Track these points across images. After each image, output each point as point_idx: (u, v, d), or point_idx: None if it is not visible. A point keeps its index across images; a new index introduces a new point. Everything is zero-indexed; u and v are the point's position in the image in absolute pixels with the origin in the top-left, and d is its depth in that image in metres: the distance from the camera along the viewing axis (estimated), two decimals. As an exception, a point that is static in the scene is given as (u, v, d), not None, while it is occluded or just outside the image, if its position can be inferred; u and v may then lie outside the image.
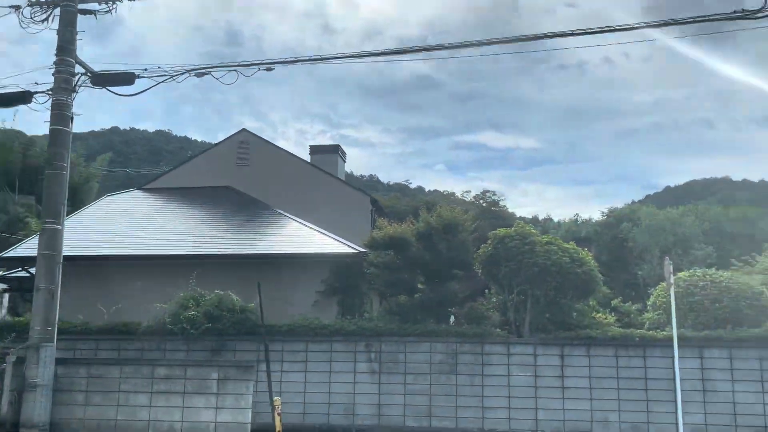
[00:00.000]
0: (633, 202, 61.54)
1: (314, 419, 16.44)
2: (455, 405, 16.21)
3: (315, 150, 28.62)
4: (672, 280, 15.18)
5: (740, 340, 15.28)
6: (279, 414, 11.61)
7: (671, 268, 15.29)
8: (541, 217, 72.20)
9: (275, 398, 11.87)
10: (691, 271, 17.51)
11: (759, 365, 15.21)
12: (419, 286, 17.98)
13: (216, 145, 27.50)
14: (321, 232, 20.96)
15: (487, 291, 19.88)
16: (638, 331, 16.14)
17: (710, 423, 15.17)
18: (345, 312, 18.60)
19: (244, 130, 27.20)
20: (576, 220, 55.06)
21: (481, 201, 61.46)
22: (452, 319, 19.09)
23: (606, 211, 42.06)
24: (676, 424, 14.58)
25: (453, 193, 75.38)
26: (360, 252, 18.52)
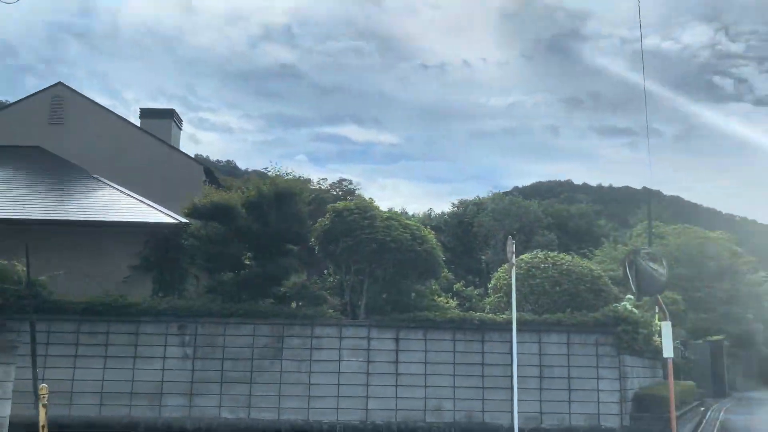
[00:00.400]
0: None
1: (113, 411, 14.08)
2: (278, 394, 14.46)
3: (146, 114, 25.56)
4: (514, 260, 14.29)
5: (579, 324, 14.72)
6: (44, 405, 9.30)
7: (513, 247, 14.40)
8: (396, 210, 72.22)
9: (41, 386, 9.52)
10: (533, 253, 16.89)
11: (595, 351, 14.71)
12: (247, 261, 16.03)
13: (25, 99, 23.76)
14: (141, 201, 18.41)
15: (327, 271, 18.32)
16: (477, 314, 15.20)
17: (546, 411, 14.48)
18: (163, 290, 16.28)
19: (60, 83, 23.71)
20: (429, 213, 55.24)
21: (337, 189, 60.15)
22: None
23: (457, 202, 42.01)
24: (512, 412, 13.68)
25: (309, 180, 73.42)
26: (181, 223, 16.26)
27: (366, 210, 15.63)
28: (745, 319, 36.27)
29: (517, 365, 13.80)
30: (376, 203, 16.10)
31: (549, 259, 15.94)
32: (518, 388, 13.64)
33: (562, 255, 16.24)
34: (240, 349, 14.57)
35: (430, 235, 16.21)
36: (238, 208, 15.27)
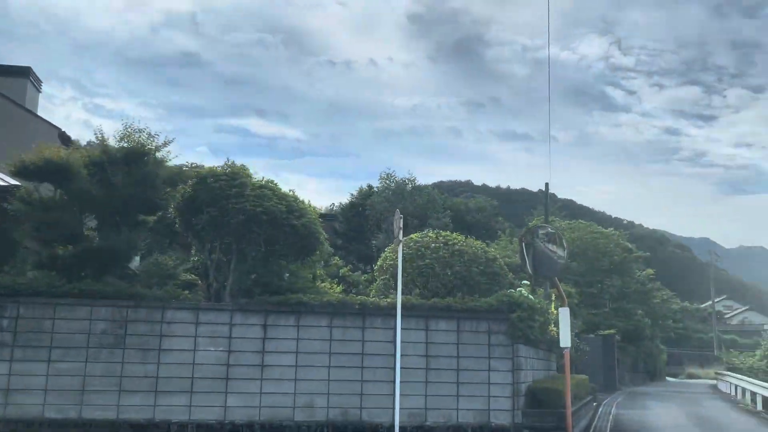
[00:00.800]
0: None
1: None
2: (119, 389, 12.13)
3: (-4, 70, 22.24)
4: (401, 237, 12.60)
5: (470, 310, 13.19)
6: None
7: (401, 222, 12.72)
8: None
9: None
10: (423, 232, 15.28)
11: (487, 339, 13.22)
12: (88, 233, 13.53)
13: None
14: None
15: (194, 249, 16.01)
16: (359, 297, 13.38)
17: (432, 407, 12.86)
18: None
19: None
20: (332, 208, 53.31)
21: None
22: None
23: (356, 193, 40.30)
24: (393, 408, 11.96)
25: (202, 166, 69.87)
26: (9, 185, 13.56)
27: (235, 177, 13.50)
28: (635, 315, 36.51)
29: (402, 355, 12.13)
30: (251, 171, 13.94)
31: (440, 238, 14.36)
32: (401, 381, 11.97)
33: (455, 235, 14.69)
34: (72, 335, 12.14)
35: (311, 208, 14.30)
36: (77, 169, 12.76)
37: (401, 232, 12.55)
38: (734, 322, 75.76)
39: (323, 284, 16.06)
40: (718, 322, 62.77)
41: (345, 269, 18.64)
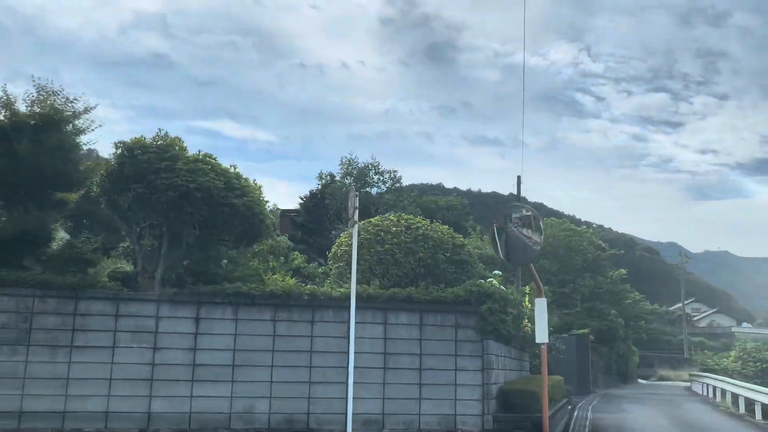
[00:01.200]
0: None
1: None
2: (21, 392, 10.30)
3: None
4: (356, 217, 10.95)
5: (436, 301, 11.60)
6: None
7: (356, 201, 11.08)
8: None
9: None
10: (384, 215, 13.66)
11: (454, 335, 11.65)
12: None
13: None
14: None
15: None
16: (308, 286, 11.70)
17: (390, 411, 11.23)
18: None
19: None
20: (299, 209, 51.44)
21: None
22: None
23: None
24: (345, 413, 10.30)
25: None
26: None
27: (166, 149, 11.74)
28: (608, 315, 35.30)
29: (356, 353, 10.47)
30: (185, 145, 12.18)
31: (402, 221, 12.76)
32: (356, 382, 10.33)
33: (418, 218, 13.10)
34: (-35, 330, 10.28)
35: (255, 187, 12.58)
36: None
37: (356, 212, 10.89)
38: (702, 324, 75.45)
39: (275, 276, 14.36)
40: (687, 324, 62.20)
41: (299, 260, 16.92)
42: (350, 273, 11.92)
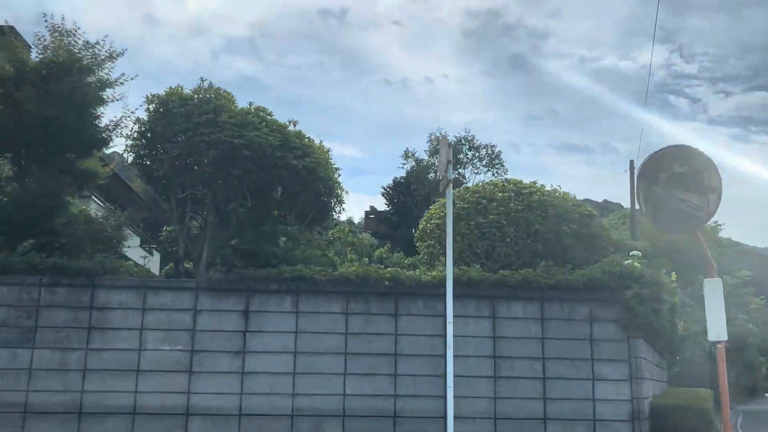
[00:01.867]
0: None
1: None
2: (24, 410, 7.95)
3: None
4: (451, 174, 8.10)
5: (561, 287, 8.56)
6: None
7: (451, 153, 8.26)
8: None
9: None
10: (486, 181, 10.70)
11: (588, 331, 8.57)
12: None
13: None
14: None
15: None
16: (389, 269, 8.85)
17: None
18: None
19: None
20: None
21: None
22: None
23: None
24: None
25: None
26: None
27: (208, 101, 9.28)
28: (736, 320, 30.77)
29: (456, 356, 7.62)
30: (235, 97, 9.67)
31: (510, 186, 9.78)
32: (457, 396, 7.47)
33: (530, 182, 10.08)
34: (-45, 328, 8.06)
35: (321, 147, 9.95)
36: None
37: (450, 166, 8.04)
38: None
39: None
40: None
41: (382, 249, 14.17)
42: (444, 253, 9.08)
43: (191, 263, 9.80)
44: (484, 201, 9.53)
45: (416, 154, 23.37)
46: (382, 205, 24.74)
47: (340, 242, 13.18)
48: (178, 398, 8.10)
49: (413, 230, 19.25)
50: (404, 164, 23.89)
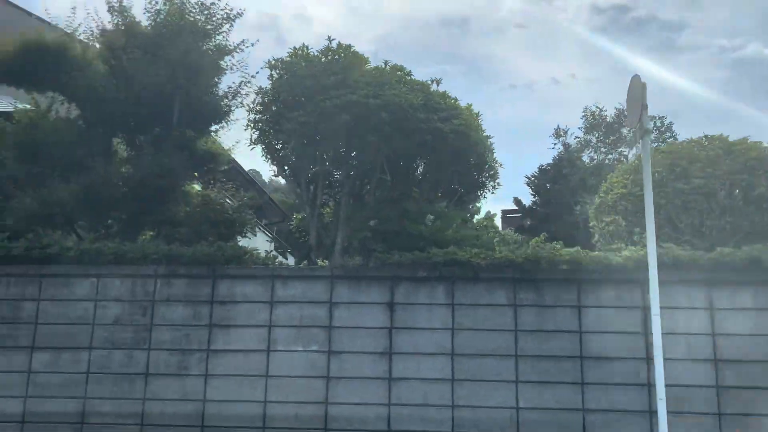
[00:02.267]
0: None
1: None
2: (141, 422, 6.83)
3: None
4: (645, 120, 6.15)
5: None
6: None
7: (646, 93, 6.33)
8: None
9: None
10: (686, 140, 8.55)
11: None
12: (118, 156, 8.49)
13: None
14: None
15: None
16: (564, 249, 6.99)
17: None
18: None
19: None
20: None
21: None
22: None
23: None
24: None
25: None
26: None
27: (337, 61, 7.91)
28: None
29: (667, 359, 5.66)
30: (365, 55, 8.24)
31: (716, 142, 7.68)
32: (671, 411, 5.54)
33: (738, 139, 7.92)
34: (66, 328, 7.09)
35: (469, 109, 8.31)
36: (84, 56, 7.84)
37: (645, 112, 6.10)
38: None
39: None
40: None
41: (538, 239, 12.25)
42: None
43: (325, 259, 8.46)
44: (684, 162, 7.48)
45: (569, 131, 20.77)
46: (512, 205, 22.45)
47: (488, 231, 11.46)
48: (314, 408, 6.69)
49: (564, 221, 17.04)
50: (555, 144, 21.29)
